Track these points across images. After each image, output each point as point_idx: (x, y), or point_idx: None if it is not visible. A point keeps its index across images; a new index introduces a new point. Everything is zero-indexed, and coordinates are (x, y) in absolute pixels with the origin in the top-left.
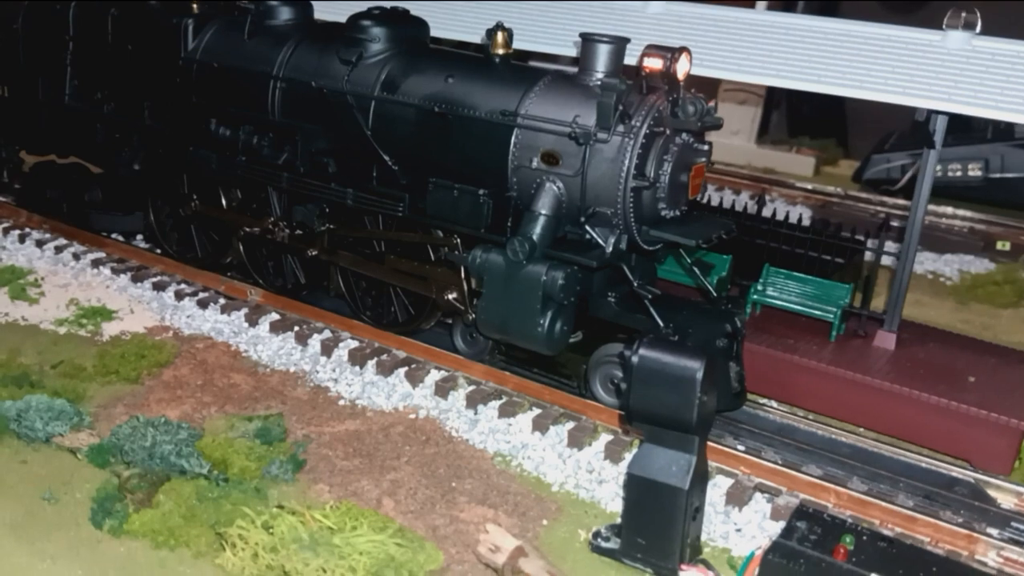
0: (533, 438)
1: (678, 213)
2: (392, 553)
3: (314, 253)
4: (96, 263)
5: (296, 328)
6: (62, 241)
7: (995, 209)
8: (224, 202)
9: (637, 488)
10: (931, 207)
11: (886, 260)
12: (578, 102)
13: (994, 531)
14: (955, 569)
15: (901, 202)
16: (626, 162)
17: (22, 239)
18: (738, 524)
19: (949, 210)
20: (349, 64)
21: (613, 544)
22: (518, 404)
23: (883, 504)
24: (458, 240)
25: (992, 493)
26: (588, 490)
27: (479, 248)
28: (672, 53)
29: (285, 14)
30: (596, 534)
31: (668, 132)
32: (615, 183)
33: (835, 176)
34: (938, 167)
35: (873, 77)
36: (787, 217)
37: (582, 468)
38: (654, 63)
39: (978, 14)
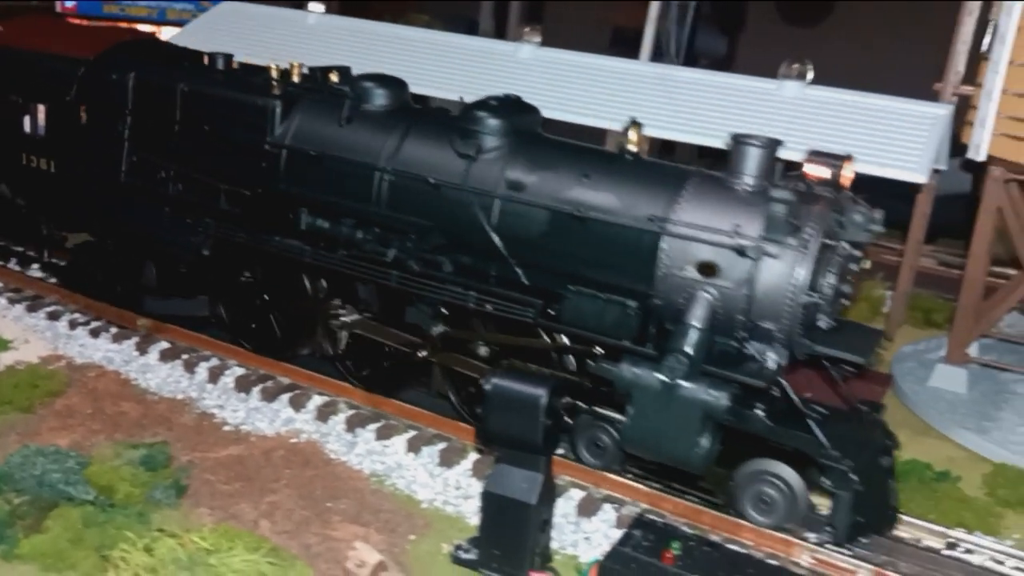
0: (407, 458)
1: (833, 323)
2: (264, 571)
3: (424, 354)
4: None
5: (184, 356)
6: None
7: None
8: (309, 290)
9: (492, 504)
10: None
11: None
12: (736, 210)
13: (811, 535)
14: (770, 570)
15: None
16: (798, 277)
17: None
18: (587, 533)
19: None
20: (468, 159)
21: (472, 555)
22: (395, 427)
23: (713, 512)
24: (600, 351)
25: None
26: (455, 506)
27: (628, 362)
28: (838, 160)
29: (385, 98)
30: (458, 547)
31: (835, 243)
32: (784, 298)
33: None
34: None
35: (716, 124)
36: None
37: (451, 485)
38: (820, 171)
39: (810, 65)
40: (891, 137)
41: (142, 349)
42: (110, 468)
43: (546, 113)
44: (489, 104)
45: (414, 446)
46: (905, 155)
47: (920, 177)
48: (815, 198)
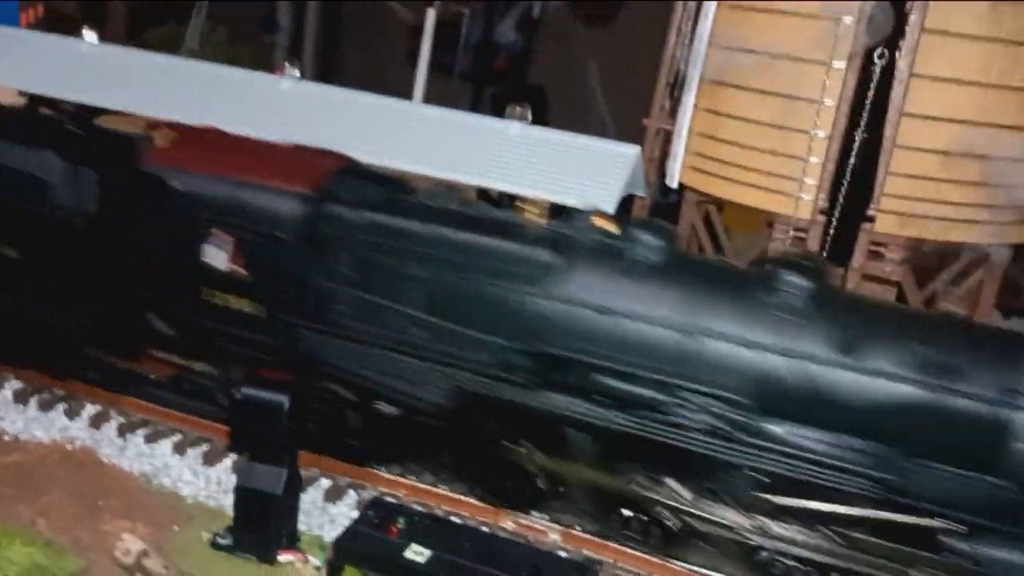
0: (174, 459)
1: None
2: (38, 561)
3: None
4: None
5: None
6: None
7: None
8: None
9: (244, 496)
10: None
11: None
12: None
13: None
14: (480, 535)
15: None
16: None
17: None
18: (332, 516)
19: None
20: (784, 321)
21: (228, 541)
22: (162, 431)
23: (437, 491)
24: (962, 528)
25: None
26: (217, 499)
27: (1002, 546)
28: None
29: (663, 250)
30: (216, 534)
31: None
32: None
33: None
34: None
35: (451, 159)
36: None
37: (213, 482)
38: None
39: (529, 108)
40: (591, 173)
41: None
42: None
43: (305, 142)
44: (794, 262)
45: (180, 448)
46: (598, 189)
47: (608, 208)
48: None
